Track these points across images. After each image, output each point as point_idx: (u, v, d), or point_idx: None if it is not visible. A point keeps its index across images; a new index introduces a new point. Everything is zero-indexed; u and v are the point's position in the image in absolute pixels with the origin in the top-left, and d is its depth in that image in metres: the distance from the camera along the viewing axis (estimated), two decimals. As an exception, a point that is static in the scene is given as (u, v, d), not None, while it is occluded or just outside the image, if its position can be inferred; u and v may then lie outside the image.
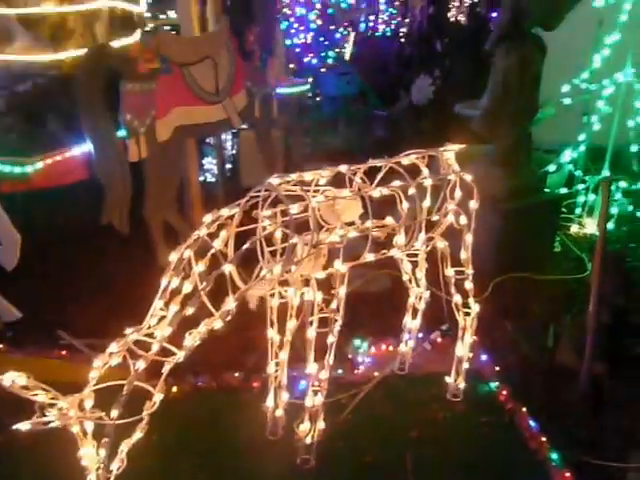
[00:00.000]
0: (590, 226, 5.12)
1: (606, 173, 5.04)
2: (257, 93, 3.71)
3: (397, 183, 2.30)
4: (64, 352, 3.09)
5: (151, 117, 3.02)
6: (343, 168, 2.28)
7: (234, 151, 5.19)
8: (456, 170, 2.53)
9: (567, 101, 5.01)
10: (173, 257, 2.04)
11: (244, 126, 3.85)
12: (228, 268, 1.99)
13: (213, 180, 5.20)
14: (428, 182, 2.38)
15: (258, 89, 3.71)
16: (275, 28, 3.86)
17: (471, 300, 2.83)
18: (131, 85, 2.94)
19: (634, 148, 4.99)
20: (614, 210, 5.09)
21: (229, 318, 2.03)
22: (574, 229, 5.16)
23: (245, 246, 2.01)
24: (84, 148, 3.16)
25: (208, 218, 2.07)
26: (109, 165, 2.97)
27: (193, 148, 3.56)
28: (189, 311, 1.97)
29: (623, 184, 5.12)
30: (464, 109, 5.46)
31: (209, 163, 5.59)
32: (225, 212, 2.08)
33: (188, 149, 3.51)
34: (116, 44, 3.11)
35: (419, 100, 6.62)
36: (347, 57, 6.99)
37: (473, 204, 2.59)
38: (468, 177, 2.54)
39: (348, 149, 6.33)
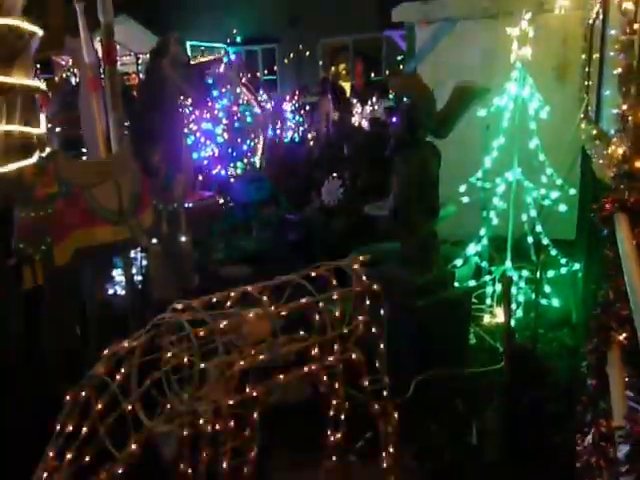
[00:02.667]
0: (501, 315, 5.30)
1: (508, 264, 5.31)
2: (164, 210, 3.69)
3: (305, 300, 2.30)
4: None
5: (47, 242, 2.90)
6: (250, 288, 2.26)
7: (145, 262, 5.07)
8: (364, 281, 2.57)
9: (465, 200, 5.32)
10: (68, 399, 1.90)
11: (154, 241, 3.78)
12: (129, 406, 1.86)
13: (123, 293, 5.02)
14: (335, 296, 2.39)
15: (165, 206, 3.69)
16: (180, 145, 3.91)
17: (391, 408, 2.80)
18: (25, 211, 2.83)
19: (530, 239, 5.32)
20: (520, 298, 5.33)
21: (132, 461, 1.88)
22: (486, 319, 5.32)
23: (146, 383, 1.90)
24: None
25: (107, 353, 1.96)
26: None
27: (96, 269, 3.44)
28: (86, 458, 1.81)
29: (525, 273, 5.40)
30: (372, 210, 5.69)
31: (119, 275, 5.40)
32: (125, 345, 1.97)
33: (92, 270, 3.38)
34: (13, 167, 2.99)
35: (329, 201, 6.85)
36: (257, 165, 7.21)
37: (383, 312, 2.61)
38: (376, 287, 2.58)
39: (263, 252, 6.38)
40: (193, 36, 17.44)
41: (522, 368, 3.91)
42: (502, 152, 5.22)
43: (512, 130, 5.13)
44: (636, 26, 2.46)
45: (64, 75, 10.22)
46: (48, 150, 3.18)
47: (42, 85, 3.39)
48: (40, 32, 3.35)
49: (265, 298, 2.26)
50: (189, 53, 15.71)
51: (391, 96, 9.82)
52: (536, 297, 4.76)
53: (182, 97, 3.98)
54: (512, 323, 5.20)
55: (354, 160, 7.80)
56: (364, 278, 2.58)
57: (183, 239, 3.97)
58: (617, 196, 2.37)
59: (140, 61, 16.57)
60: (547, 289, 5.40)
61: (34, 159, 2.99)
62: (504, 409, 3.24)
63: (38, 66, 14.96)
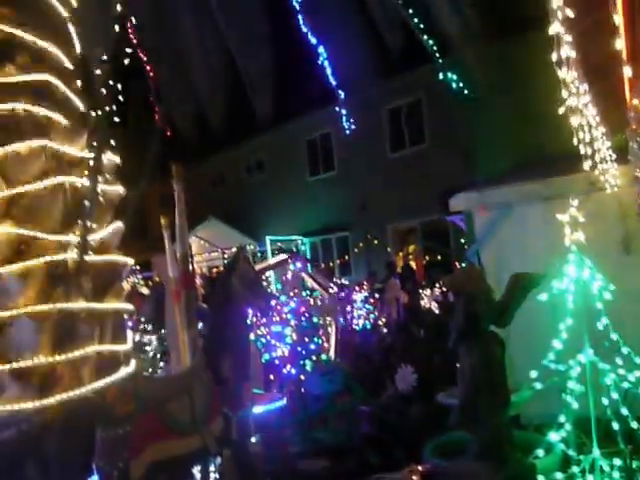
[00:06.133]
0: (598, 511, 4.81)
1: (596, 453, 4.94)
2: (233, 416, 3.86)
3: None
4: None
5: (125, 459, 3.10)
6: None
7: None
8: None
9: (538, 386, 5.16)
10: None
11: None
12: None
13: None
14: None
15: (234, 413, 3.87)
16: (247, 355, 4.20)
17: None
18: (106, 431, 3.08)
19: (615, 426, 4.96)
20: (618, 489, 4.86)
21: None
22: (582, 522, 4.82)
23: None
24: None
25: None
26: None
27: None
28: None
29: (617, 461, 4.97)
30: (445, 398, 5.59)
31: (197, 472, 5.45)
32: None
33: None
34: (101, 384, 3.30)
35: (404, 389, 6.79)
36: (332, 355, 7.41)
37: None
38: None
39: (339, 444, 6.30)
40: (272, 231, 19.11)
41: None
42: (571, 334, 5.15)
43: (578, 311, 5.10)
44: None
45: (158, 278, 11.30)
46: (133, 363, 3.53)
47: (131, 307, 3.83)
48: (131, 262, 3.90)
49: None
50: (269, 247, 17.08)
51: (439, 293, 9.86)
52: (631, 487, 4.34)
53: (250, 308, 4.35)
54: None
55: (426, 343, 7.83)
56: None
57: (252, 442, 4.07)
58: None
59: (226, 256, 18.13)
60: (645, 480, 4.90)
61: (120, 375, 3.32)
62: None
63: (139, 267, 16.60)
